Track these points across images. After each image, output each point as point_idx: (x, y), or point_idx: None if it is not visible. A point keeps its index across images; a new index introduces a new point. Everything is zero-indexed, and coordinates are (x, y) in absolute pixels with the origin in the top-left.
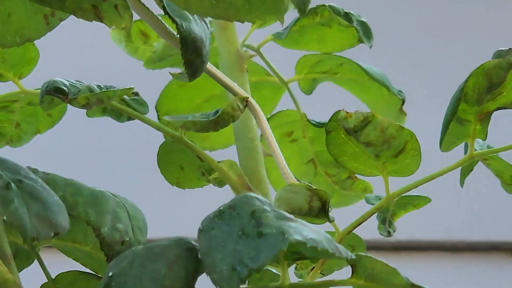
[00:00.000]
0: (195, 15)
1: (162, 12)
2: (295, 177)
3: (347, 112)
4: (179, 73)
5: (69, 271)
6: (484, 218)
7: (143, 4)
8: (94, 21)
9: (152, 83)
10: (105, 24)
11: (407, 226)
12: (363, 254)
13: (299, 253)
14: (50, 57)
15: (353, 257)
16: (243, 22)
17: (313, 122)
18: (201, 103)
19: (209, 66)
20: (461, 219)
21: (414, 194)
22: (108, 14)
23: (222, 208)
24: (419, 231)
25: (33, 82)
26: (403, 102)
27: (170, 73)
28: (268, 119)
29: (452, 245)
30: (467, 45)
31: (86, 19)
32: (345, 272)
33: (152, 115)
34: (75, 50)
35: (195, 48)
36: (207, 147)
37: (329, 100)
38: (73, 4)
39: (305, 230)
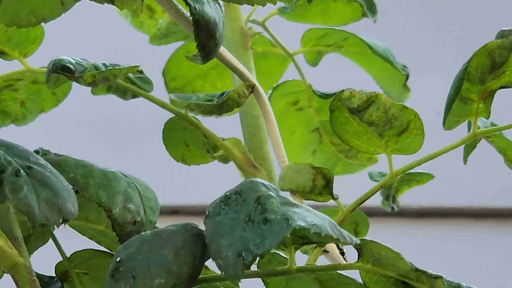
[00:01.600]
0: None
1: None
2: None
3: (351, 92)
4: (193, 55)
5: (84, 249)
6: (508, 184)
7: None
8: (106, 4)
9: (160, 57)
10: (116, 6)
11: (431, 193)
12: (368, 239)
13: (305, 237)
14: (56, 35)
15: (358, 242)
16: (253, 5)
17: (318, 93)
18: (207, 70)
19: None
20: (484, 185)
21: (417, 171)
22: None
23: (228, 193)
24: (443, 197)
25: (38, 60)
26: (407, 78)
27: (185, 56)
28: (274, 88)
29: (476, 211)
30: (473, 23)
31: (98, 1)
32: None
33: (157, 92)
34: (81, 27)
35: (208, 31)
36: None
37: (335, 71)
38: None
39: (309, 216)
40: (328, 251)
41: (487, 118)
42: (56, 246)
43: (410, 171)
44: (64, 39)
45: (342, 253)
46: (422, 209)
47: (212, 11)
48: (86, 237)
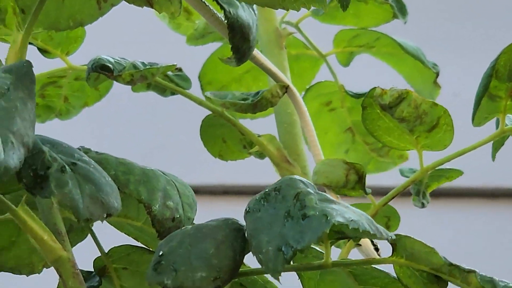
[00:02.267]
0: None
1: None
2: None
3: (383, 89)
4: (228, 58)
5: (122, 245)
6: None
7: None
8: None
9: (198, 57)
10: (155, 9)
11: None
12: (403, 234)
13: (342, 232)
14: (97, 33)
15: (393, 237)
16: (287, 10)
17: (350, 93)
18: (242, 74)
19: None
20: (500, 165)
21: (447, 167)
22: (158, 0)
23: (267, 190)
24: (458, 177)
25: (80, 57)
26: (437, 75)
27: (220, 59)
28: (307, 90)
29: (490, 191)
30: (502, 21)
31: (137, 4)
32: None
33: (195, 90)
34: (123, 27)
35: (243, 34)
36: (249, 115)
37: (366, 72)
38: None
39: (347, 212)
40: (361, 244)
41: None
42: (95, 242)
43: (440, 167)
44: (107, 36)
45: (377, 249)
46: (437, 189)
47: (246, 15)
48: (124, 233)
